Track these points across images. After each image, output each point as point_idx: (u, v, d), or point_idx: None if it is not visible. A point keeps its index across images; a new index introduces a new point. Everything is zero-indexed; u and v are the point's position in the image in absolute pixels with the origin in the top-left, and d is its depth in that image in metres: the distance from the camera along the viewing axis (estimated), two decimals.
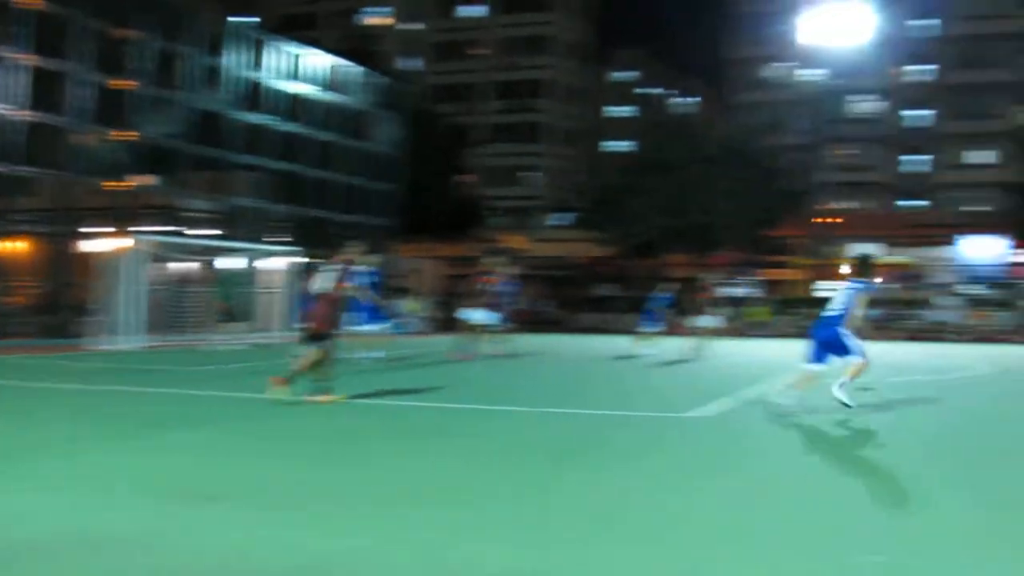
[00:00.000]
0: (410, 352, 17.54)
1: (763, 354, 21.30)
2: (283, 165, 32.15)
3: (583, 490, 5.57)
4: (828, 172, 40.16)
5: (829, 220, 42.12)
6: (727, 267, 51.17)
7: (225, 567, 3.84)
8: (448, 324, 25.00)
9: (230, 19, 33.56)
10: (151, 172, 27.92)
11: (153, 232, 23.87)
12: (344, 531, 4.50)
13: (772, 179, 47.07)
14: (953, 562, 4.13)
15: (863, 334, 9.40)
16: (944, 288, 43.62)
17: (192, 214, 29.67)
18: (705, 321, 19.29)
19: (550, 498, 5.36)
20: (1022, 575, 4.05)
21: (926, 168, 60.65)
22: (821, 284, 43.71)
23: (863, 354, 9.35)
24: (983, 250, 55.96)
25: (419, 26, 75.70)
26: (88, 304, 20.37)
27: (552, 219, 67.46)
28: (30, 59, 23.76)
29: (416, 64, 72.71)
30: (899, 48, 58.40)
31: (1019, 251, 51.00)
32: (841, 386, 9.35)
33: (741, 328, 34.88)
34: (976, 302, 40.60)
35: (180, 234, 26.19)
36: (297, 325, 12.79)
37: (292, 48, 34.30)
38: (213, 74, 29.62)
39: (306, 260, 20.94)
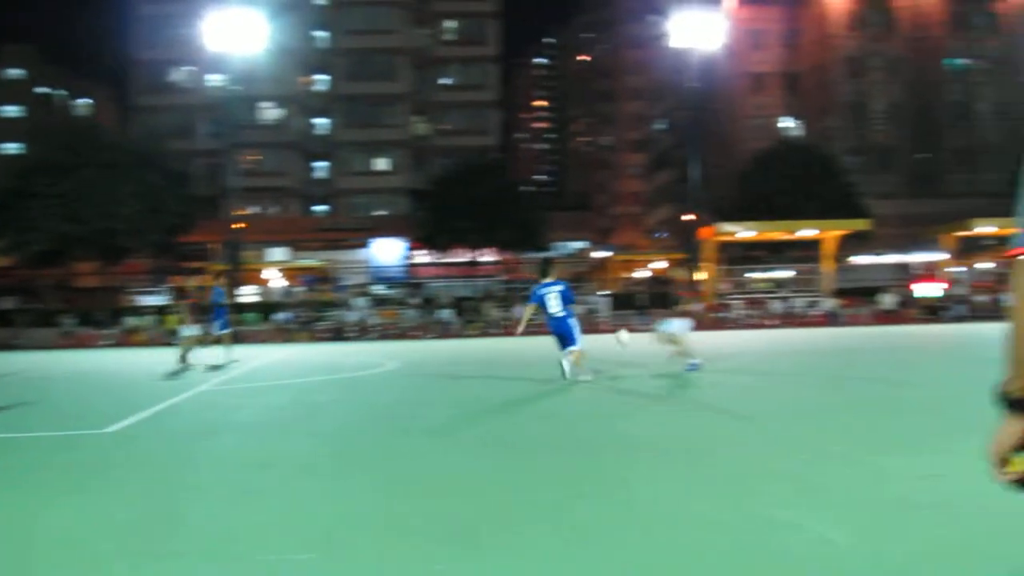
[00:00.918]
0: None
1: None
2: None
3: None
4: (238, 177, 42.54)
5: (240, 225, 44.57)
6: (141, 274, 51.92)
7: None
8: None
9: None
10: None
11: None
12: None
13: (182, 184, 48.36)
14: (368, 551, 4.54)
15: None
16: (356, 289, 47.67)
17: None
18: (189, 330, 19.72)
19: None
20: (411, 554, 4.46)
21: (330, 174, 66.17)
22: (242, 289, 45.25)
23: (580, 343, 13.75)
24: (388, 252, 61.62)
25: None
26: None
27: None
28: None
29: None
30: (299, 58, 63.37)
31: (416, 252, 56.91)
32: (574, 371, 13.72)
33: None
34: (383, 301, 44.75)
35: None
36: None
37: None
38: None
39: None
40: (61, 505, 6.04)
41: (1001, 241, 45.07)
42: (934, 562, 4.29)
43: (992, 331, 17.97)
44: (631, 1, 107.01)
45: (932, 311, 41.78)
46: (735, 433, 8.53)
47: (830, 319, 40.10)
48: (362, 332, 38.39)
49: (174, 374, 17.66)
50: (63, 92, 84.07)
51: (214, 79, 65.07)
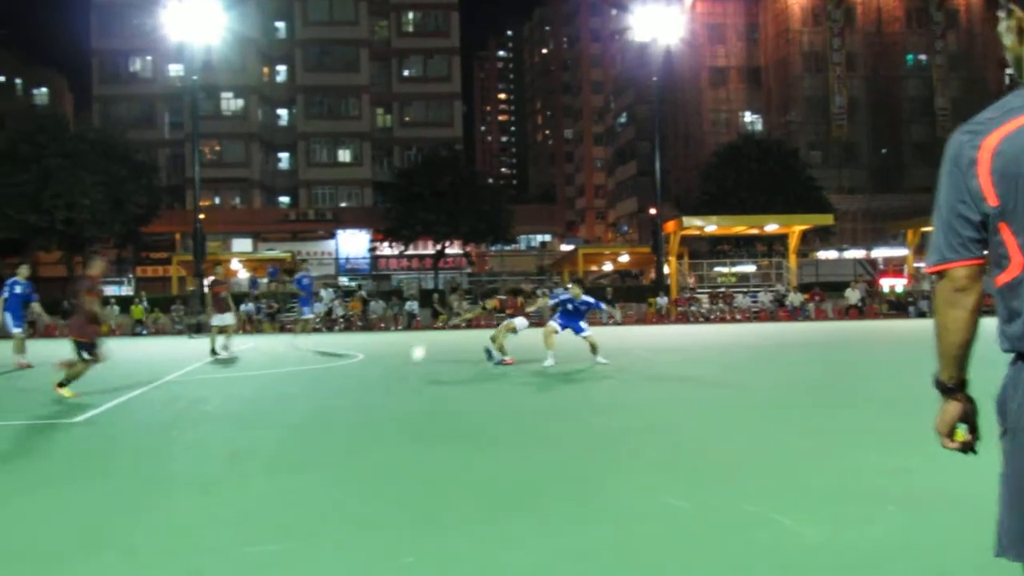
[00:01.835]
0: None
1: (139, 353, 22.23)
2: None
3: None
4: (200, 168, 42.24)
5: (203, 216, 44.40)
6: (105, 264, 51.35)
7: None
8: None
9: None
10: None
11: None
12: None
13: (145, 175, 48.01)
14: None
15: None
16: (321, 281, 47.46)
17: None
18: (222, 319, 19.92)
19: None
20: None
21: (293, 165, 66.04)
22: (203, 280, 44.97)
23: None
24: (354, 244, 61.35)
25: None
26: None
27: None
28: None
29: None
30: (260, 48, 62.96)
31: (381, 244, 56.85)
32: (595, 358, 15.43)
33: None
34: (349, 293, 44.59)
35: None
36: None
37: None
38: None
39: None
40: (27, 495, 5.98)
41: None
42: (904, 556, 4.32)
43: None
44: None
45: (898, 306, 42.28)
46: (702, 427, 8.59)
47: (795, 314, 40.45)
48: (328, 324, 38.28)
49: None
50: (23, 81, 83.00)
51: (174, 69, 64.66)
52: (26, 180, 42.95)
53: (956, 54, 70.94)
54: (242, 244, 62.66)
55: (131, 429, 9.09)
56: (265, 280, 46.61)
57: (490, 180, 67.40)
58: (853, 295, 41.99)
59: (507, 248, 65.62)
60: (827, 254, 61.34)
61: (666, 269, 44.31)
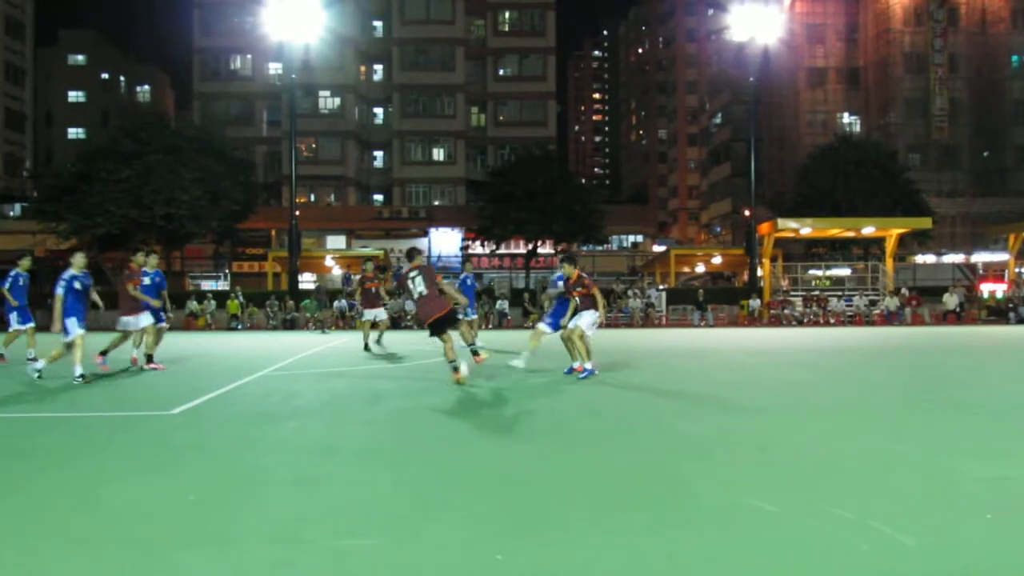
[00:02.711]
0: None
1: (235, 348, 22.61)
2: None
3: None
4: (297, 165, 42.99)
5: (298, 213, 45.21)
6: (202, 259, 52.78)
7: None
8: None
9: None
10: None
11: None
12: None
13: (242, 171, 48.96)
14: None
15: None
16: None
17: None
18: (373, 313, 20.38)
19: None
20: None
21: (387, 164, 66.84)
22: (301, 276, 45.61)
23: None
24: (447, 242, 61.80)
25: None
26: None
27: (7, 209, 64.38)
28: None
29: None
30: (357, 47, 63.80)
31: (472, 242, 57.23)
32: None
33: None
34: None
35: None
36: None
37: None
38: None
39: None
40: (124, 484, 6.10)
41: None
42: (1003, 565, 4.21)
43: None
44: None
45: (998, 312, 41.09)
46: (793, 431, 8.42)
47: (891, 319, 39.58)
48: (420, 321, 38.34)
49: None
50: (131, 77, 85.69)
51: (273, 67, 65.98)
52: (128, 176, 43.66)
53: None
54: (336, 241, 63.62)
55: (226, 422, 9.19)
56: (358, 277, 47.10)
57: (583, 180, 67.17)
58: (952, 299, 40.93)
59: (599, 248, 65.44)
60: (925, 258, 59.89)
61: (759, 271, 43.78)
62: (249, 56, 66.85)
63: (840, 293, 43.37)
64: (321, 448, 7.52)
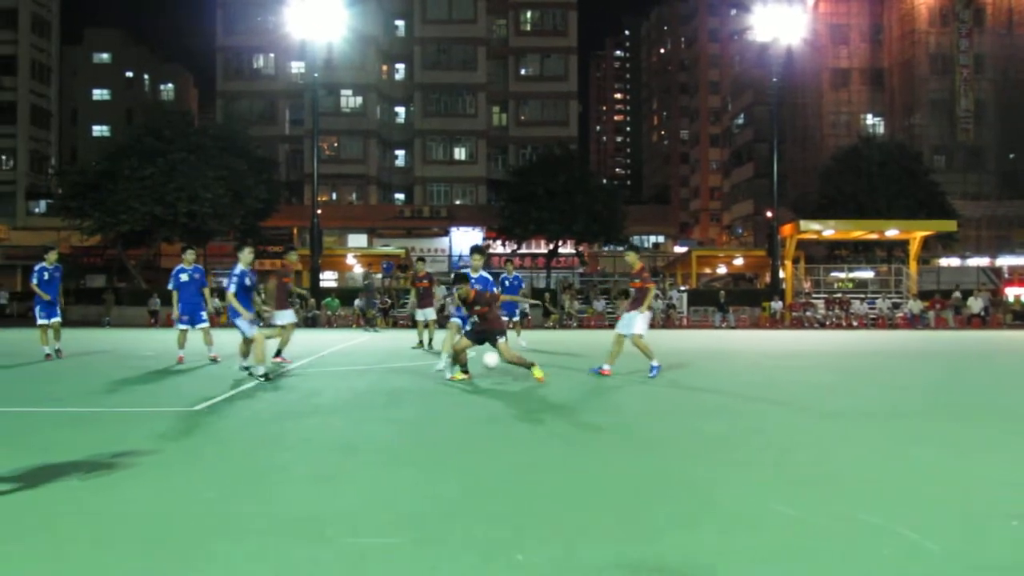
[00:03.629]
0: None
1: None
2: None
3: None
4: (319, 164, 43.18)
5: (320, 212, 45.40)
6: (224, 257, 52.84)
7: None
8: None
9: None
10: None
11: None
12: None
13: (264, 169, 49.18)
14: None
15: None
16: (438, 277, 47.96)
17: None
18: (426, 314, 20.50)
19: None
20: None
21: (409, 163, 66.78)
22: (322, 275, 45.77)
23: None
24: (468, 241, 61.91)
25: None
26: None
27: (32, 206, 64.97)
28: None
29: None
30: (379, 46, 63.90)
31: (493, 241, 57.32)
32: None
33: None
34: None
35: None
36: None
37: None
38: None
39: None
40: (145, 479, 6.12)
41: None
42: None
43: None
44: None
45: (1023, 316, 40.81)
46: (814, 434, 8.35)
47: (915, 322, 39.34)
48: (441, 321, 38.50)
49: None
50: (154, 75, 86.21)
51: (296, 66, 66.25)
52: (152, 173, 44.18)
53: None
54: (357, 240, 63.80)
55: (248, 419, 9.21)
56: (379, 275, 47.33)
57: (604, 180, 67.09)
58: (977, 303, 40.65)
59: (620, 248, 65.35)
60: (949, 261, 59.46)
61: (781, 273, 43.60)
62: (272, 55, 67.11)
63: (863, 296, 43.14)
64: (341, 446, 7.52)
